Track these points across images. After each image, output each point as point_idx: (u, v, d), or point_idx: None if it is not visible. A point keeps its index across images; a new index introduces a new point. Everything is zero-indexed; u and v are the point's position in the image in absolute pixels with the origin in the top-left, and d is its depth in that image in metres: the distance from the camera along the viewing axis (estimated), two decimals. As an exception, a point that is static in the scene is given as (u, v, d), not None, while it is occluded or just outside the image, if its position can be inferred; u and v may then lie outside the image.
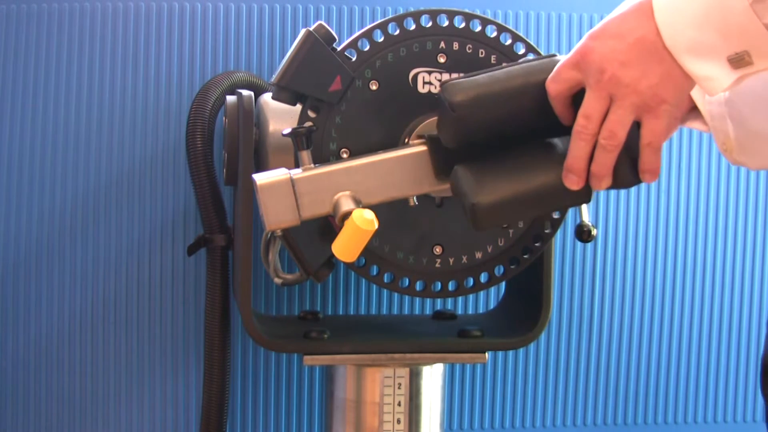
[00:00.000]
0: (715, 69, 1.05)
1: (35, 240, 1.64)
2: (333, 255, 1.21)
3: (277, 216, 1.23)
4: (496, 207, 1.15)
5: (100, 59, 1.64)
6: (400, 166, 1.25)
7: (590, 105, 1.09)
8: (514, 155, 1.18)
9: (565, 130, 1.17)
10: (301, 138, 1.24)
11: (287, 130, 1.25)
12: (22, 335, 1.65)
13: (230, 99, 1.44)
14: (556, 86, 1.12)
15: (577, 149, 1.12)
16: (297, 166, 1.26)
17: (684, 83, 1.07)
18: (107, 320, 1.67)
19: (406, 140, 1.31)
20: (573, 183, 1.14)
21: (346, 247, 1.19)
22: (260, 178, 1.23)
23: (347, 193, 1.23)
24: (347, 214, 1.20)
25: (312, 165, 1.25)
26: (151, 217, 1.67)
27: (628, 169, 1.13)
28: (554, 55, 1.18)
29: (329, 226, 1.30)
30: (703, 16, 1.03)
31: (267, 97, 1.43)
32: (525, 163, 1.17)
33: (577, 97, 1.13)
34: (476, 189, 1.15)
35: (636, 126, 1.10)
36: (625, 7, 1.08)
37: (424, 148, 1.25)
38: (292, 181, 1.23)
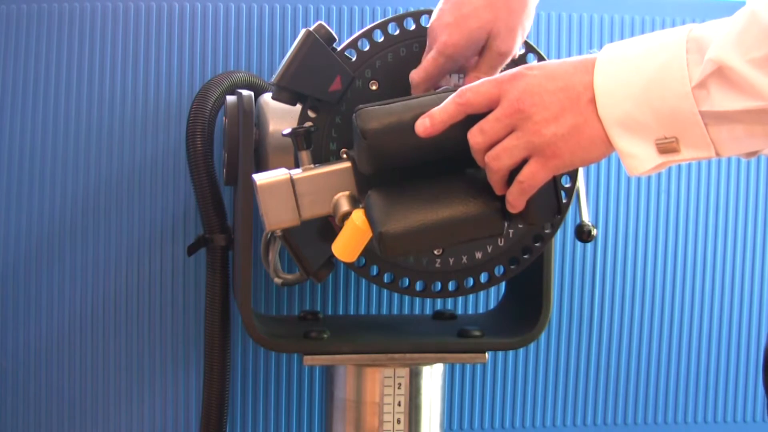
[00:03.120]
0: (641, 149, 1.03)
1: (35, 240, 1.64)
2: (333, 255, 1.21)
3: (277, 216, 1.23)
4: (403, 237, 1.14)
5: (100, 59, 1.64)
6: (326, 181, 1.24)
7: (491, 123, 1.08)
8: (428, 184, 1.17)
9: None
10: (300, 138, 1.24)
11: (287, 130, 1.24)
12: (22, 335, 1.65)
13: (230, 99, 1.44)
14: (473, 97, 1.10)
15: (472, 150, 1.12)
16: (297, 166, 1.26)
17: (590, 147, 1.05)
18: (107, 320, 1.67)
19: None
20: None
21: (346, 247, 1.19)
22: (260, 178, 1.23)
23: (347, 193, 1.23)
24: (347, 215, 1.20)
25: (312, 165, 1.24)
26: (151, 217, 1.66)
27: (539, 206, 1.13)
28: None
29: (329, 226, 1.30)
30: (643, 92, 1.01)
31: (267, 97, 1.43)
32: (438, 193, 1.16)
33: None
34: (385, 218, 1.14)
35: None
36: (568, 59, 1.08)
37: (349, 164, 1.24)
38: (292, 181, 1.23)
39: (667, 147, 1.02)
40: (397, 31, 1.34)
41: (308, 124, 1.31)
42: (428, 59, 1.28)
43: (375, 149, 1.14)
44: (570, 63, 1.07)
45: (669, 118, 1.00)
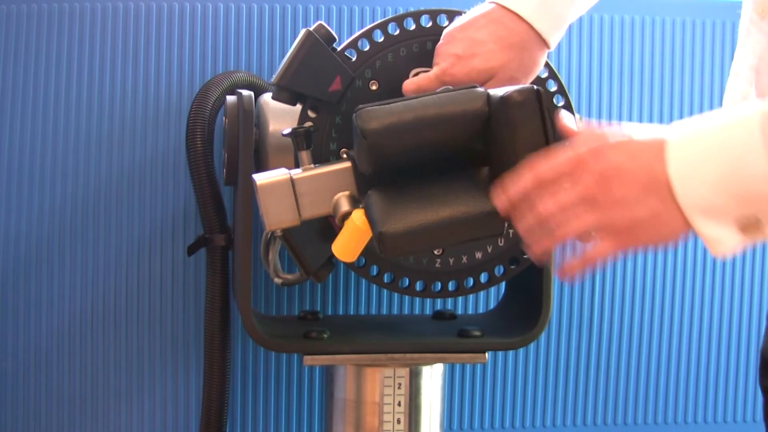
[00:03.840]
0: (724, 231, 1.00)
1: (35, 240, 1.64)
2: (333, 255, 1.21)
3: (277, 216, 1.23)
4: (403, 236, 1.13)
5: (101, 59, 1.63)
6: (326, 181, 1.23)
7: (570, 198, 1.03)
8: (429, 184, 1.16)
9: (483, 162, 1.17)
10: (300, 138, 1.24)
11: (287, 131, 1.24)
12: (22, 335, 1.65)
13: (230, 99, 1.44)
14: (548, 172, 1.05)
15: (515, 186, 1.08)
16: (297, 166, 1.26)
17: (668, 232, 1.02)
18: (107, 320, 1.67)
19: None
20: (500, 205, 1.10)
21: (346, 247, 1.18)
22: (260, 178, 1.23)
23: (347, 193, 1.23)
24: (347, 215, 1.20)
25: (312, 165, 1.24)
26: (151, 217, 1.66)
27: None
28: (474, 86, 1.16)
29: (329, 226, 1.30)
30: (721, 178, 0.97)
31: (267, 97, 1.42)
32: (437, 193, 1.15)
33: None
34: (384, 218, 1.14)
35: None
36: (636, 133, 1.03)
37: (349, 164, 1.24)
38: (292, 182, 1.22)
39: (750, 227, 0.99)
40: (397, 31, 1.33)
41: (308, 124, 1.30)
42: (424, 78, 1.28)
43: (375, 149, 1.14)
44: (643, 145, 1.02)
45: (749, 199, 0.98)
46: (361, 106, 1.15)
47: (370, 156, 1.15)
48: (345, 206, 1.21)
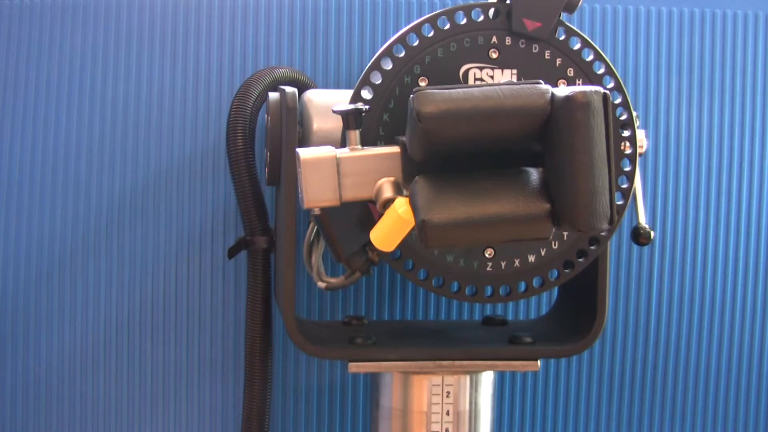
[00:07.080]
0: None
1: (70, 242, 1.62)
2: (367, 245, 1.19)
3: (316, 194, 1.21)
4: (446, 227, 1.12)
5: (137, 54, 1.61)
6: (372, 164, 1.22)
7: None
8: (481, 177, 1.15)
9: (538, 162, 1.15)
10: (351, 117, 1.22)
11: (339, 107, 1.22)
12: (57, 340, 1.63)
13: (273, 96, 1.41)
14: None
15: None
16: (344, 146, 1.24)
17: None
18: (143, 325, 1.65)
19: None
20: None
21: (386, 235, 1.17)
22: (304, 153, 1.22)
23: (392, 179, 1.21)
24: (389, 201, 1.19)
25: (359, 146, 1.23)
26: (189, 218, 1.64)
27: (590, 212, 1.10)
28: (538, 81, 1.14)
29: (370, 219, 1.28)
30: None
31: (311, 94, 1.40)
32: (488, 187, 1.13)
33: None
34: (429, 206, 1.12)
35: None
36: None
37: (398, 149, 1.23)
38: (337, 160, 1.21)
39: None
40: (447, 26, 1.30)
41: (361, 104, 1.28)
42: None
43: (429, 134, 1.12)
44: None
45: None
46: (418, 88, 1.13)
47: (423, 141, 1.13)
48: (388, 192, 1.20)
